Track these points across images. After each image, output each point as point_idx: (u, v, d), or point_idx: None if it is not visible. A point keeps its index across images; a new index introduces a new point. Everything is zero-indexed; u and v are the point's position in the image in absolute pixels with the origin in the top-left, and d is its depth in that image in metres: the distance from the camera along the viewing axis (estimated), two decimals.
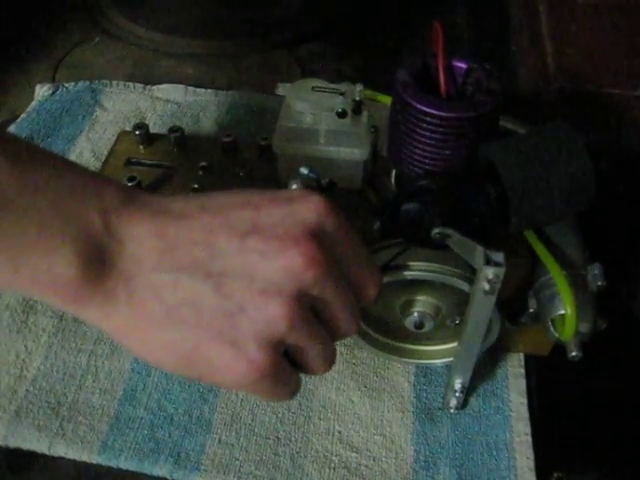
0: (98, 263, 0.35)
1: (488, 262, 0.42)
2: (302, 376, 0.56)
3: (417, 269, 0.49)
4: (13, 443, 0.54)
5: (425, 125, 0.48)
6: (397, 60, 0.52)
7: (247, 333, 0.35)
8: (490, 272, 0.42)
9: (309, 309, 0.37)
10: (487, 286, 0.43)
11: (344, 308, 0.39)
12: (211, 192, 0.39)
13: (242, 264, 0.36)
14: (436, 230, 0.45)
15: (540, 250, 0.50)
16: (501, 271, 0.42)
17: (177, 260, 0.36)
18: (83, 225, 0.35)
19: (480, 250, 0.43)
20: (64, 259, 0.34)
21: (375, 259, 0.50)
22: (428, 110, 0.47)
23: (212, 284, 0.35)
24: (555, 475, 0.54)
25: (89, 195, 0.36)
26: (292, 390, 0.40)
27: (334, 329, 0.40)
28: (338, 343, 0.59)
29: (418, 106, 0.48)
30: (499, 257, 0.42)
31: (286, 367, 0.38)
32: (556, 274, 0.48)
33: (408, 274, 0.49)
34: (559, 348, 0.51)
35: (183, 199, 0.39)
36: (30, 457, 0.54)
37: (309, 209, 0.37)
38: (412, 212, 0.46)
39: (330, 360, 0.41)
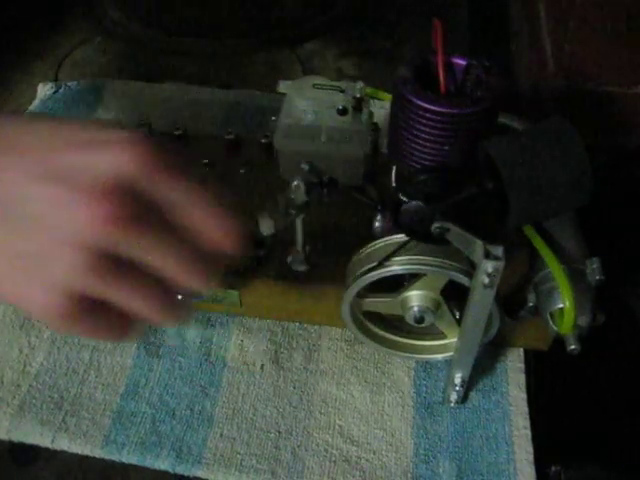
0: None
1: (487, 256, 0.43)
2: (303, 372, 0.57)
3: (417, 263, 0.49)
4: (17, 437, 0.54)
5: (425, 121, 0.48)
6: (397, 58, 0.53)
7: (45, 277, 0.35)
8: (489, 266, 0.43)
9: (115, 260, 0.36)
10: (486, 280, 0.44)
11: (169, 260, 0.37)
12: (39, 121, 0.38)
13: (37, 210, 0.35)
14: (436, 225, 0.46)
15: (539, 244, 0.51)
16: (500, 265, 0.43)
17: None
18: None
19: (479, 244, 0.43)
20: None
21: (379, 252, 0.51)
22: (427, 106, 0.48)
23: (11, 226, 0.35)
24: (554, 468, 0.54)
25: None
26: (119, 332, 0.39)
27: (167, 280, 0.38)
28: (339, 338, 0.61)
29: (418, 102, 0.48)
30: (498, 251, 0.43)
31: (102, 312, 0.38)
32: (555, 268, 0.49)
33: (408, 268, 0.49)
34: (558, 343, 0.51)
35: (9, 126, 0.38)
36: (34, 451, 0.54)
37: (120, 157, 0.35)
38: (412, 207, 0.46)
39: (166, 312, 0.39)
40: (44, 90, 0.84)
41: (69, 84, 0.85)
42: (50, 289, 0.35)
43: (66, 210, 0.34)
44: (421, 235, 0.47)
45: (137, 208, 0.35)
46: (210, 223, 0.38)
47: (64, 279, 0.35)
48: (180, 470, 0.53)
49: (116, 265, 0.36)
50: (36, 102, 0.83)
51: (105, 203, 0.34)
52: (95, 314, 0.38)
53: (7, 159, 0.36)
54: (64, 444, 0.54)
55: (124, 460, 0.54)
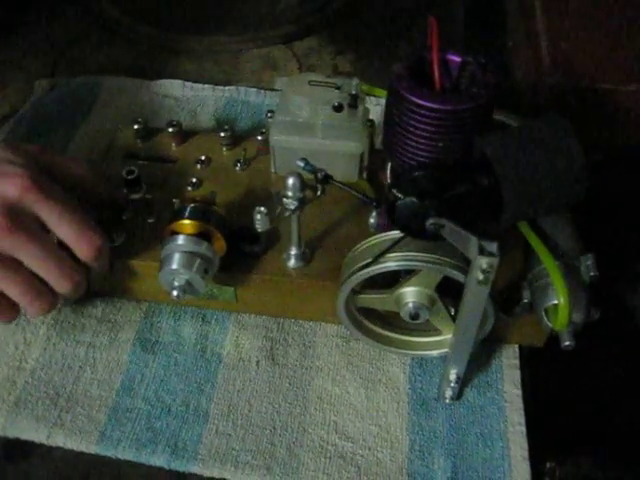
0: None
1: (482, 252, 0.43)
2: (299, 368, 0.57)
3: (412, 259, 0.49)
4: (12, 433, 0.55)
5: (419, 117, 0.49)
6: (393, 55, 0.53)
7: None
8: (484, 262, 0.43)
9: (7, 261, 0.51)
10: (481, 276, 0.44)
11: (44, 267, 0.52)
12: None
13: None
14: (430, 221, 0.46)
15: (533, 241, 0.51)
16: (495, 261, 0.43)
17: None
18: None
19: (474, 240, 0.43)
20: None
21: (373, 249, 0.51)
22: (422, 103, 0.48)
23: None
24: (548, 465, 0.54)
25: None
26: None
27: (47, 281, 0.53)
28: (334, 335, 0.61)
29: (412, 99, 0.48)
30: (493, 247, 0.43)
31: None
32: (549, 264, 0.49)
33: (403, 264, 0.50)
34: (553, 339, 0.52)
35: None
36: (29, 447, 0.54)
37: (11, 186, 0.50)
38: (407, 203, 0.46)
39: (38, 304, 0.54)
40: (41, 86, 0.84)
41: (65, 80, 0.85)
42: None
43: None
44: (416, 231, 0.47)
45: (19, 221, 0.50)
46: (82, 240, 0.53)
47: None
48: (175, 466, 0.53)
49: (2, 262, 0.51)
50: (33, 98, 0.83)
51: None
52: None
53: None
54: (59, 440, 0.54)
55: (119, 456, 0.54)
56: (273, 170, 0.65)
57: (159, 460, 0.54)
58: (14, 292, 0.53)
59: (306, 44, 0.92)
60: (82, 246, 0.53)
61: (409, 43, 0.88)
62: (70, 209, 0.52)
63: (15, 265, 0.51)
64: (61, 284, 0.53)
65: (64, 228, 0.52)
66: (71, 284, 0.54)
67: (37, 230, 0.51)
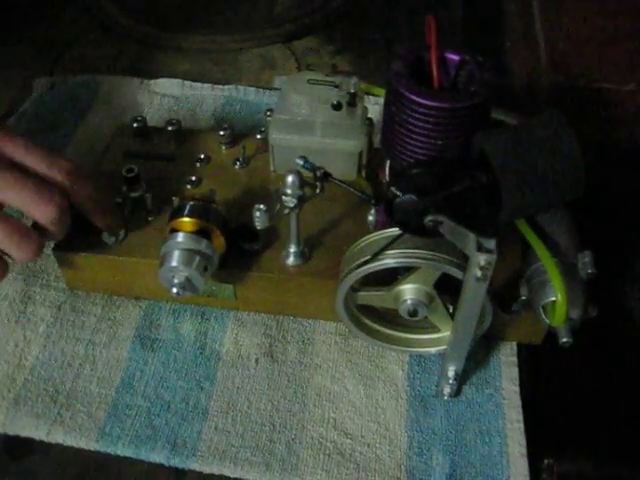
0: None
1: (480, 249, 0.43)
2: (298, 365, 0.57)
3: (410, 256, 0.49)
4: (12, 430, 0.55)
5: (418, 115, 0.49)
6: (392, 55, 0.53)
7: None
8: (482, 259, 0.43)
9: None
10: (479, 273, 0.44)
11: (20, 196, 0.51)
12: None
13: None
14: (429, 218, 0.46)
15: (531, 238, 0.51)
16: (493, 258, 0.43)
17: None
18: None
19: (472, 237, 0.43)
20: None
21: (372, 246, 0.51)
22: (421, 101, 0.48)
23: None
24: (546, 461, 0.54)
25: None
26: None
27: (30, 211, 0.52)
28: (333, 332, 0.61)
29: (411, 97, 0.48)
30: (491, 244, 0.43)
31: None
32: (547, 261, 0.49)
33: (401, 261, 0.50)
34: (552, 336, 0.52)
35: None
36: (29, 444, 0.55)
37: None
38: (405, 200, 0.47)
39: (26, 246, 0.52)
40: (40, 85, 0.85)
41: (65, 79, 0.85)
42: None
43: None
44: (414, 228, 0.48)
45: None
46: (47, 163, 0.53)
47: None
48: (175, 463, 0.53)
49: None
50: (32, 97, 0.83)
51: None
52: None
53: None
54: (59, 437, 0.54)
55: (119, 453, 0.54)
56: (272, 168, 0.65)
57: (159, 457, 0.54)
58: None
59: (305, 43, 0.92)
60: (57, 168, 0.53)
61: (408, 42, 0.88)
62: (37, 148, 0.53)
63: None
64: (45, 210, 0.51)
65: (33, 158, 0.52)
66: (55, 207, 0.51)
67: (5, 165, 0.51)
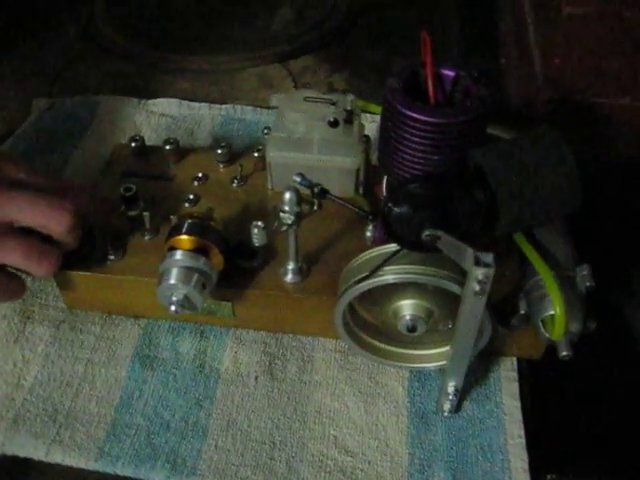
0: None
1: (478, 263, 0.43)
2: (298, 383, 0.57)
3: (408, 272, 0.49)
4: (10, 450, 0.54)
5: (414, 131, 0.49)
6: (388, 73, 0.54)
7: None
8: (480, 273, 0.43)
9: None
10: (477, 287, 0.44)
11: (34, 212, 0.52)
12: None
13: None
14: (426, 233, 0.46)
15: (529, 252, 0.51)
16: (490, 272, 0.43)
17: None
18: None
19: (470, 252, 0.43)
20: None
21: (370, 262, 0.51)
22: (417, 116, 0.48)
23: None
24: (549, 477, 0.54)
25: None
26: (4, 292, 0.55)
27: (45, 226, 0.53)
28: (332, 349, 0.61)
29: (407, 112, 0.49)
30: (488, 258, 0.43)
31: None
32: (545, 275, 0.49)
33: (399, 277, 0.50)
34: (552, 351, 0.52)
35: None
36: (28, 464, 0.54)
37: None
38: (402, 216, 0.47)
39: (45, 262, 0.54)
40: (38, 106, 0.85)
41: (63, 100, 0.86)
42: None
43: None
44: (411, 244, 0.48)
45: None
46: (52, 181, 0.55)
47: None
48: None
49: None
50: (31, 118, 0.83)
51: None
52: None
53: None
54: (58, 457, 0.54)
55: (119, 472, 0.54)
56: (270, 186, 0.65)
57: (158, 476, 0.53)
58: (16, 257, 0.52)
59: (301, 62, 0.93)
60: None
61: (404, 59, 0.89)
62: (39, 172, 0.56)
63: (5, 229, 0.51)
64: (61, 220, 0.52)
65: (36, 176, 0.54)
66: (69, 214, 0.53)
67: (11, 182, 0.52)
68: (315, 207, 0.54)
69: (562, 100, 0.75)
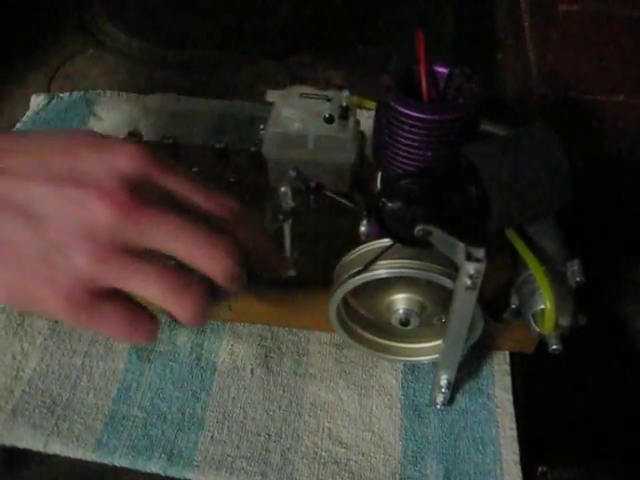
0: None
1: (469, 258, 0.44)
2: (293, 375, 0.58)
3: (401, 266, 0.50)
4: (9, 441, 0.55)
5: (407, 127, 0.50)
6: (384, 69, 0.54)
7: (62, 270, 0.38)
8: (471, 268, 0.44)
9: (135, 250, 0.39)
10: (469, 282, 0.45)
11: (188, 246, 0.39)
12: (34, 133, 0.42)
13: (57, 208, 0.38)
14: (419, 228, 0.47)
15: (520, 247, 0.52)
16: (482, 266, 0.44)
17: None
18: None
19: (461, 246, 0.44)
20: None
21: (364, 257, 0.52)
22: (410, 113, 0.49)
23: (31, 226, 0.38)
24: (540, 469, 0.55)
25: None
26: (138, 329, 0.42)
27: (197, 268, 0.40)
28: (327, 342, 0.62)
29: (400, 109, 0.49)
30: (480, 253, 0.44)
31: (120, 303, 0.41)
32: (535, 270, 0.50)
33: (392, 272, 0.50)
34: (544, 345, 0.52)
35: (8, 138, 0.41)
36: (26, 455, 0.55)
37: (127, 158, 0.39)
38: (395, 211, 0.47)
39: (191, 303, 0.40)
40: (37, 101, 0.85)
41: (61, 95, 0.86)
42: (66, 281, 0.38)
43: (80, 205, 0.38)
44: (404, 238, 0.48)
45: (145, 198, 0.39)
46: (224, 206, 0.42)
47: (81, 268, 0.38)
48: (171, 473, 0.54)
49: (129, 254, 0.39)
50: (29, 113, 0.84)
51: (117, 195, 0.38)
52: (109, 306, 0.40)
53: (25, 162, 0.39)
54: (56, 448, 0.55)
55: (116, 463, 0.54)
56: (266, 182, 0.66)
57: (155, 467, 0.54)
58: (155, 290, 0.39)
59: (298, 58, 0.93)
60: (227, 210, 0.42)
61: (399, 56, 0.89)
62: (200, 182, 0.42)
63: (148, 255, 0.39)
64: (221, 264, 0.40)
65: (197, 197, 0.41)
66: (233, 259, 0.41)
67: (168, 203, 0.40)
68: (310, 202, 0.54)
69: (556, 96, 0.76)
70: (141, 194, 0.38)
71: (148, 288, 0.39)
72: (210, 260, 0.40)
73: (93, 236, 0.38)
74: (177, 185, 0.41)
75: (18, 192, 0.38)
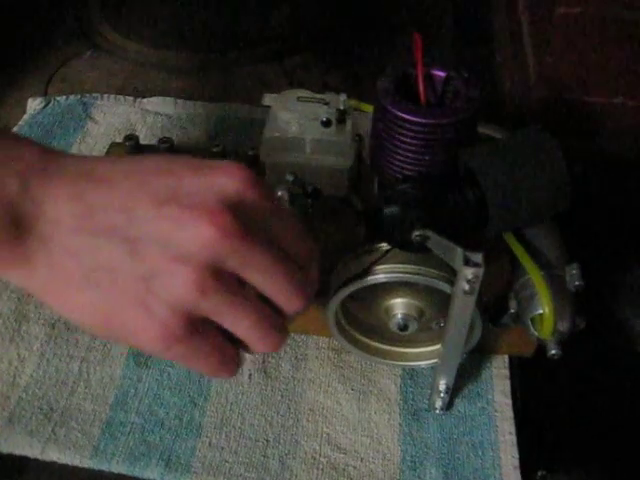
0: (16, 226, 0.35)
1: (467, 263, 0.44)
2: (291, 380, 0.58)
3: (399, 271, 0.50)
4: (6, 449, 0.55)
5: (405, 131, 0.49)
6: (382, 72, 0.54)
7: (159, 298, 0.36)
8: (469, 272, 0.44)
9: (231, 280, 0.37)
10: (467, 286, 0.45)
11: (275, 280, 0.39)
12: (136, 156, 0.40)
13: (158, 231, 0.36)
14: (416, 233, 0.46)
15: (519, 251, 0.51)
16: (480, 271, 0.44)
17: (95, 224, 0.36)
18: (1, 188, 0.35)
19: (459, 251, 0.44)
20: None
21: (362, 261, 0.52)
22: (407, 117, 0.49)
23: (128, 249, 0.36)
24: (539, 473, 0.55)
25: (8, 158, 0.36)
26: (225, 363, 0.40)
27: (275, 303, 0.40)
28: (326, 347, 0.61)
29: (398, 113, 0.49)
30: (478, 258, 0.44)
31: (212, 337, 0.39)
32: (534, 274, 0.50)
33: (390, 276, 0.50)
34: (543, 349, 0.52)
35: (106, 162, 0.39)
36: (23, 462, 0.55)
37: (230, 180, 0.38)
38: (393, 215, 0.47)
39: (272, 337, 0.40)
40: (34, 104, 0.85)
41: (58, 99, 0.86)
42: (163, 310, 0.36)
43: (180, 225, 0.36)
44: (402, 243, 0.48)
45: (250, 225, 0.37)
46: (304, 248, 0.41)
47: (179, 297, 0.36)
48: (169, 479, 0.54)
49: (227, 284, 0.37)
50: (26, 116, 0.84)
51: (222, 218, 0.36)
52: (201, 340, 0.38)
53: (133, 185, 0.37)
54: (53, 455, 0.55)
55: (113, 470, 0.54)
56: None
57: (153, 473, 0.54)
58: (244, 326, 0.39)
59: (296, 61, 0.93)
60: (306, 253, 0.41)
61: (398, 60, 0.89)
62: (291, 213, 0.42)
63: (240, 286, 0.38)
64: (297, 303, 0.40)
65: (285, 232, 0.40)
66: (306, 299, 0.41)
67: (265, 232, 0.39)
68: (308, 206, 0.54)
69: (555, 98, 0.75)
70: (243, 218, 0.37)
71: (239, 323, 0.39)
72: (291, 299, 0.40)
73: (192, 259, 0.36)
74: (273, 213, 0.39)
75: (117, 214, 0.36)
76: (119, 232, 0.36)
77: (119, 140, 0.71)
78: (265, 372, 0.60)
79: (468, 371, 0.60)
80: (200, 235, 0.36)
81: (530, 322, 0.51)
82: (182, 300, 0.36)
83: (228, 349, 0.40)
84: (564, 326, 0.49)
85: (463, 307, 0.47)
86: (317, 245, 0.42)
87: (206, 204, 0.36)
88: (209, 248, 0.36)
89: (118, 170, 0.38)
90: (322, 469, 0.55)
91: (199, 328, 0.38)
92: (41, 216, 0.36)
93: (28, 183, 0.36)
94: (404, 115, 0.49)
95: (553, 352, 0.49)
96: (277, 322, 0.40)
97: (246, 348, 0.41)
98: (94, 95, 0.87)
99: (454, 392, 0.57)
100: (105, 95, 0.87)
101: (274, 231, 0.39)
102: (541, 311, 0.49)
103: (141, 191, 0.37)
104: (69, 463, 0.54)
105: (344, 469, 0.55)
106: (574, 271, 0.50)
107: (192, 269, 0.35)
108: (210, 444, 0.56)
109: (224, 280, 0.37)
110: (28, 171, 0.36)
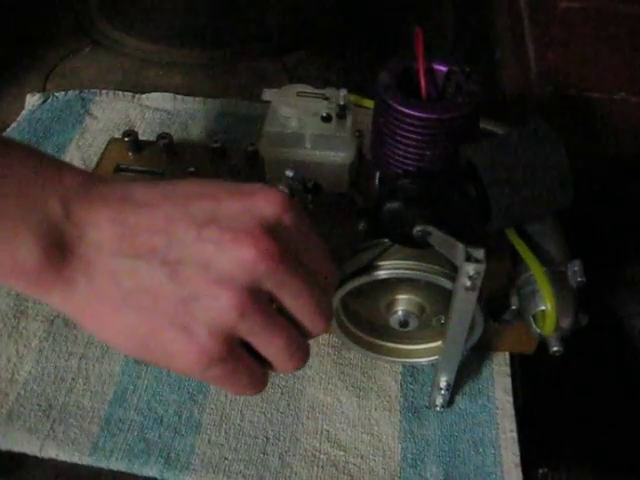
0: (59, 249, 0.36)
1: (469, 259, 0.43)
2: (291, 377, 0.57)
3: (400, 267, 0.49)
4: (4, 446, 0.54)
5: (406, 126, 0.49)
6: (382, 68, 0.54)
7: (199, 320, 0.36)
8: (471, 268, 0.43)
9: (267, 302, 0.38)
10: (468, 282, 0.44)
11: (305, 303, 0.40)
12: (174, 180, 0.40)
13: (198, 253, 0.36)
14: (418, 228, 0.46)
15: (521, 247, 0.51)
16: (481, 267, 0.43)
17: (135, 247, 0.36)
18: (44, 212, 0.35)
19: (461, 247, 0.44)
20: (25, 246, 0.35)
21: (362, 257, 0.51)
22: (408, 111, 0.49)
23: (168, 272, 0.36)
24: (541, 471, 0.54)
25: (50, 182, 0.36)
26: (254, 383, 0.41)
27: (300, 325, 0.41)
28: (326, 344, 0.61)
29: (399, 108, 0.49)
30: (479, 254, 0.43)
31: (245, 358, 0.39)
32: (536, 270, 0.49)
33: (391, 273, 0.50)
34: (544, 346, 0.52)
35: (146, 186, 0.39)
36: (22, 459, 0.54)
37: (267, 204, 0.38)
38: (394, 211, 0.47)
39: (298, 357, 0.41)
40: (32, 100, 0.85)
41: (57, 94, 0.86)
42: (203, 332, 0.36)
43: (227, 250, 0.36)
44: (404, 239, 0.48)
45: (287, 249, 0.38)
46: (331, 277, 0.42)
47: (220, 320, 0.36)
48: (168, 476, 0.53)
49: (264, 306, 0.38)
50: (24, 112, 0.83)
51: (262, 241, 0.36)
52: (236, 362, 0.39)
53: (173, 208, 0.38)
54: (52, 452, 0.54)
55: (112, 467, 0.54)
56: (263, 181, 0.65)
57: (152, 470, 0.54)
58: (275, 346, 0.40)
59: (296, 57, 0.93)
60: (332, 281, 0.43)
61: (397, 54, 0.89)
62: (321, 239, 0.42)
63: (273, 309, 0.39)
64: (320, 325, 0.41)
65: (316, 259, 0.41)
66: (329, 321, 0.42)
67: (299, 256, 0.40)
68: (308, 202, 0.54)
69: (556, 94, 0.75)
70: (280, 241, 0.37)
71: (272, 344, 0.39)
72: (316, 320, 0.41)
73: (233, 282, 0.36)
74: (305, 237, 0.40)
75: (157, 237, 0.37)
76: (159, 255, 0.36)
77: (118, 136, 0.71)
78: None
79: (469, 368, 0.59)
80: (241, 258, 0.36)
81: (532, 319, 0.51)
82: (222, 323, 0.36)
83: (257, 369, 0.41)
84: (566, 323, 0.49)
85: (464, 303, 0.46)
86: (337, 270, 0.43)
87: (246, 227, 0.37)
88: (250, 271, 0.36)
89: (157, 194, 0.38)
90: (322, 466, 0.54)
91: (235, 350, 0.38)
92: (83, 239, 0.36)
93: (70, 207, 0.36)
94: (405, 110, 0.49)
95: (555, 349, 0.49)
96: (303, 343, 0.41)
97: (270, 367, 0.41)
98: (93, 91, 0.86)
99: (455, 389, 0.57)
100: (104, 91, 0.87)
101: (305, 254, 0.40)
102: (543, 308, 0.49)
103: (181, 214, 0.37)
104: (68, 460, 0.54)
105: (344, 466, 0.54)
106: (576, 267, 0.50)
107: (233, 292, 0.36)
108: (209, 441, 0.55)
109: (261, 302, 0.37)
110: (70, 195, 0.36)
